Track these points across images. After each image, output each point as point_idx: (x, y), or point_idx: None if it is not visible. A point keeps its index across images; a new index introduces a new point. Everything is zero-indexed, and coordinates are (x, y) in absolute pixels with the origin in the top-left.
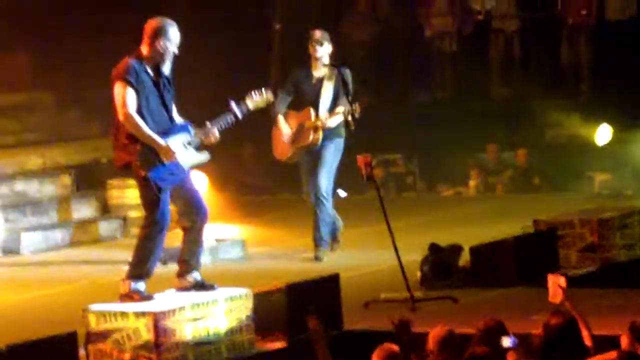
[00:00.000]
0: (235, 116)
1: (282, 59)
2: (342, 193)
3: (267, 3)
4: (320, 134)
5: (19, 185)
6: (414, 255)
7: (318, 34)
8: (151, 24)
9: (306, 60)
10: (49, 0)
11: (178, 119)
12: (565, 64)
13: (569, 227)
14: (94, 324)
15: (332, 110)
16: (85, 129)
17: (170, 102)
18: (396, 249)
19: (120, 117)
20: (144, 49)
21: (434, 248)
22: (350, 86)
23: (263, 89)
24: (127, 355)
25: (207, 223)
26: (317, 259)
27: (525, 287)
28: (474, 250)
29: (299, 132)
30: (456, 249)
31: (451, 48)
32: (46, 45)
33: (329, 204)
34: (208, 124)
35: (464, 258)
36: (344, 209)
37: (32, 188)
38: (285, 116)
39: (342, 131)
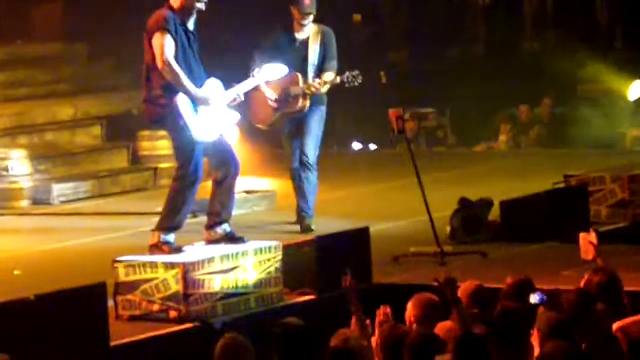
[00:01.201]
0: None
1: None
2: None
3: None
4: (309, 101)
5: (50, 136)
6: (444, 209)
7: (308, 2)
8: None
9: (287, 21)
10: None
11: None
12: (599, 20)
13: (600, 183)
14: (123, 275)
15: (319, 74)
16: (118, 80)
17: (199, 56)
18: (426, 203)
19: (159, 65)
20: (175, 3)
21: (464, 202)
22: (335, 48)
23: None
24: (156, 307)
25: (239, 176)
26: (307, 229)
27: (556, 243)
28: (504, 205)
29: (285, 98)
30: (487, 204)
31: (484, 2)
32: None
33: (316, 174)
34: (235, 85)
35: (494, 213)
36: (375, 162)
37: (63, 139)
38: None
39: (325, 98)
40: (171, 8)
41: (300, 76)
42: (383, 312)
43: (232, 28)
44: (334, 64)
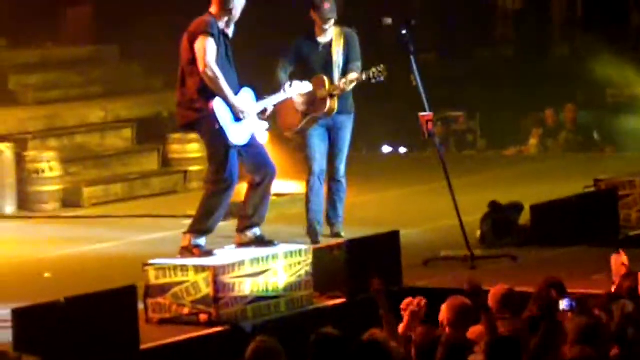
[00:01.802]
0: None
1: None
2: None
3: None
4: (336, 103)
5: (81, 138)
6: (474, 213)
7: (327, 6)
8: None
9: (308, 27)
10: None
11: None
12: (628, 24)
13: (630, 187)
14: (154, 278)
15: (344, 76)
16: (148, 82)
17: (233, 60)
18: (456, 207)
19: (201, 67)
20: (213, 10)
21: (494, 206)
22: (358, 49)
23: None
24: (186, 310)
25: (274, 179)
26: (337, 236)
27: (585, 247)
28: (534, 209)
29: (312, 102)
30: (517, 207)
31: (514, 5)
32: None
33: (345, 184)
34: (265, 97)
35: (525, 216)
36: (405, 165)
37: (93, 141)
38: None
39: (353, 105)
40: (212, 15)
41: (325, 78)
42: (417, 301)
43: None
44: (358, 64)
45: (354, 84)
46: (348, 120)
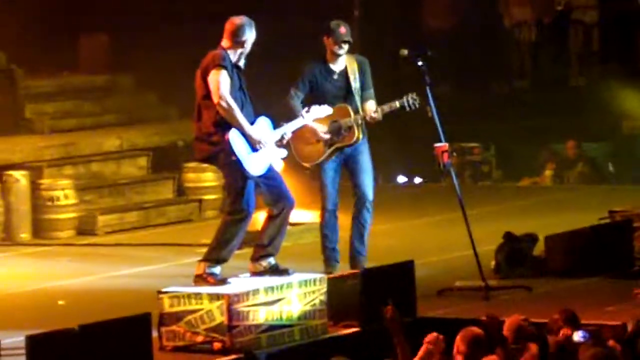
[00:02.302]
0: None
1: (361, 45)
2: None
3: None
4: (362, 132)
5: (96, 167)
6: (488, 243)
7: (344, 30)
8: (233, 22)
9: (321, 53)
10: None
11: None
12: None
13: None
14: (168, 306)
15: (361, 104)
16: (163, 111)
17: (247, 91)
18: (471, 237)
19: (215, 100)
20: (225, 44)
21: (509, 237)
22: (370, 76)
23: (325, 105)
24: (200, 338)
25: (292, 210)
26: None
27: (600, 278)
28: (549, 240)
29: (337, 132)
30: (531, 238)
31: (530, 38)
32: (126, 28)
33: (372, 212)
34: (283, 124)
35: (539, 247)
36: (420, 196)
37: (108, 169)
38: None
39: (366, 131)
40: (223, 49)
41: (349, 107)
42: (435, 337)
43: None
44: (372, 92)
45: (383, 113)
46: (363, 145)
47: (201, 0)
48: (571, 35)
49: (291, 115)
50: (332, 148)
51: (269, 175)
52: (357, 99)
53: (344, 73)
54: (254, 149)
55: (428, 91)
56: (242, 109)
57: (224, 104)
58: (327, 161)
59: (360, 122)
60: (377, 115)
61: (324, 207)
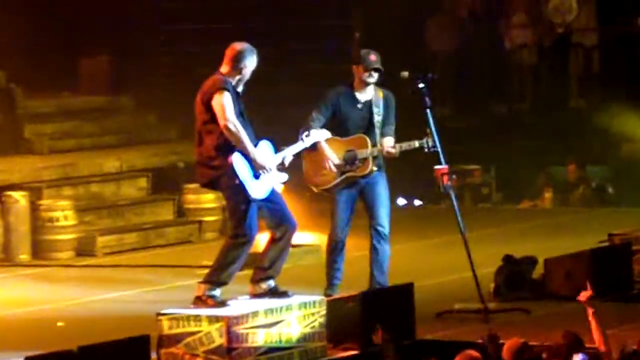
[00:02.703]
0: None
1: None
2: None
3: (347, 12)
4: (376, 165)
5: (96, 188)
6: (488, 266)
7: (374, 58)
8: (234, 48)
9: (351, 79)
10: (129, 7)
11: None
12: None
13: None
14: (167, 328)
15: (379, 137)
16: (163, 132)
17: (246, 115)
18: (470, 260)
19: (222, 123)
20: (224, 69)
21: (508, 259)
22: (394, 112)
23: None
24: None
25: (294, 232)
26: None
27: (599, 301)
28: (548, 263)
29: (351, 161)
30: (531, 261)
31: (530, 61)
32: (127, 50)
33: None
34: (284, 148)
35: (538, 270)
36: (420, 218)
37: (108, 190)
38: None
39: (384, 163)
40: (222, 74)
41: (367, 139)
42: None
43: None
44: (393, 128)
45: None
46: (380, 176)
47: (202, 23)
48: (571, 58)
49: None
50: (344, 176)
51: (272, 199)
52: (377, 132)
53: (369, 104)
54: (257, 173)
55: (428, 113)
56: (250, 132)
57: (231, 126)
58: (338, 189)
59: (376, 154)
60: (395, 151)
61: (332, 236)
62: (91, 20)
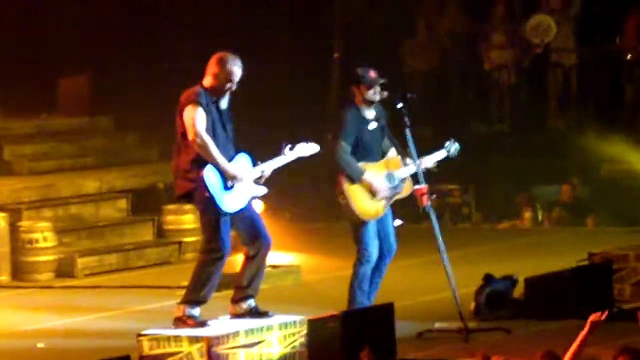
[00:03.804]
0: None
1: (341, 87)
2: (397, 222)
3: (326, 32)
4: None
5: (75, 209)
6: (468, 285)
7: (373, 73)
8: (216, 58)
9: (352, 100)
10: (110, 27)
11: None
12: (622, 99)
13: (623, 261)
14: (147, 349)
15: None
16: (143, 153)
17: (231, 133)
18: (450, 279)
19: (190, 136)
20: (207, 81)
21: (488, 279)
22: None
23: (310, 142)
24: None
25: (269, 250)
26: None
27: (580, 320)
28: (528, 282)
29: (397, 184)
30: (511, 280)
31: (509, 81)
32: (106, 70)
33: None
34: (260, 163)
35: (519, 289)
36: (399, 238)
37: (88, 212)
38: None
39: None
40: (203, 86)
41: (400, 158)
42: None
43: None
44: (392, 142)
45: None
46: None
47: (182, 41)
48: (550, 78)
49: (355, 173)
50: (392, 201)
51: (246, 214)
52: (396, 148)
53: (376, 122)
54: (229, 186)
55: (407, 133)
56: (220, 147)
57: (198, 140)
58: None
59: (414, 171)
60: (431, 165)
61: (366, 259)
62: (69, 41)
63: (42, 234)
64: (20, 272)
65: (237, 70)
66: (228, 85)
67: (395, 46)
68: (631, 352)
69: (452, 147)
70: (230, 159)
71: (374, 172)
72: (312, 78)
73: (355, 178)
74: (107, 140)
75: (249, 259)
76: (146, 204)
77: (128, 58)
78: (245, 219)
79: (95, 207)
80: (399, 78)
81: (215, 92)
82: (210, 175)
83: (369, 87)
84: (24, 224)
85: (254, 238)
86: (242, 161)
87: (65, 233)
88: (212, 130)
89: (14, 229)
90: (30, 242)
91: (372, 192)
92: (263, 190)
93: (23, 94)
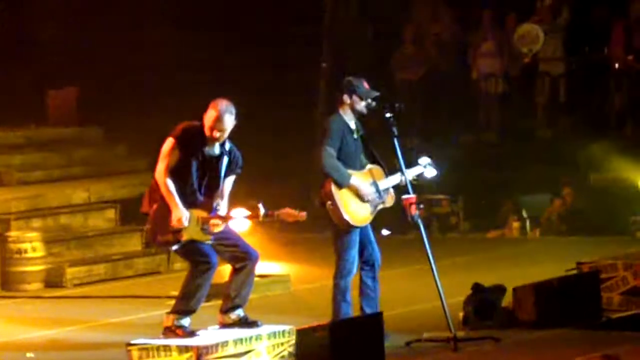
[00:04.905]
0: (257, 219)
1: (329, 97)
2: (385, 232)
3: (315, 42)
4: None
5: (64, 219)
6: (457, 295)
7: (367, 85)
8: (213, 106)
9: (339, 109)
10: (99, 38)
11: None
12: (611, 108)
13: (612, 270)
14: (137, 358)
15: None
16: (132, 164)
17: (216, 178)
18: (439, 288)
19: (157, 169)
20: (206, 121)
21: (477, 288)
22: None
23: (301, 211)
24: None
25: (257, 261)
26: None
27: (568, 330)
28: (517, 291)
29: (382, 193)
30: (499, 289)
31: (497, 90)
32: (95, 81)
33: None
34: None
35: (507, 298)
36: (387, 248)
37: (76, 222)
38: None
39: None
40: (199, 125)
41: (381, 169)
42: None
43: None
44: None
45: None
46: None
47: (171, 52)
48: (538, 87)
49: (338, 175)
50: (377, 210)
51: (224, 241)
52: (375, 161)
53: (360, 132)
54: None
55: (395, 143)
56: (189, 187)
57: (158, 177)
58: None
59: (397, 183)
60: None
61: (345, 273)
62: (58, 51)
63: (31, 244)
64: (9, 282)
65: (227, 123)
66: (215, 135)
67: (383, 56)
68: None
69: (428, 167)
70: (194, 202)
71: (359, 178)
72: (300, 88)
73: (342, 182)
74: (96, 150)
75: (236, 271)
76: (135, 214)
77: (117, 69)
78: (225, 245)
79: (84, 217)
80: (387, 88)
81: (203, 136)
82: (158, 216)
83: (362, 98)
84: (13, 234)
85: (241, 256)
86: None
87: (54, 243)
88: (186, 168)
89: (2, 239)
90: (19, 252)
91: (360, 197)
92: (207, 238)
93: (12, 104)
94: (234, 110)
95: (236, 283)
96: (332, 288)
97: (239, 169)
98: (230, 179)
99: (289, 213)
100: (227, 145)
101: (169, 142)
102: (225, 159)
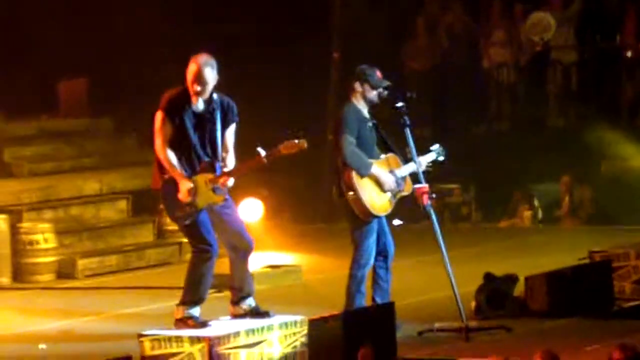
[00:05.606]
0: (262, 163)
1: (340, 87)
2: (397, 221)
3: (325, 33)
4: None
5: (76, 210)
6: (468, 284)
7: (380, 74)
8: (193, 60)
9: (351, 98)
10: (109, 30)
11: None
12: (623, 97)
13: (624, 259)
14: (149, 349)
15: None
16: (143, 155)
17: (215, 133)
18: (451, 278)
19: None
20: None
21: (489, 277)
22: None
23: (298, 139)
24: None
25: (251, 252)
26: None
27: (580, 318)
28: (529, 280)
29: (399, 182)
30: (511, 279)
31: (509, 79)
32: (106, 72)
33: None
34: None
35: (519, 288)
36: (399, 237)
37: (88, 213)
38: None
39: None
40: (182, 88)
41: (397, 157)
42: None
43: None
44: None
45: None
46: None
47: (181, 44)
48: (549, 76)
49: (364, 165)
50: (396, 199)
51: (224, 218)
52: (391, 150)
53: (373, 120)
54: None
55: (407, 132)
56: (192, 150)
57: (158, 152)
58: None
59: (413, 170)
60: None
61: (366, 264)
62: (69, 43)
63: (43, 236)
64: (21, 274)
65: (208, 75)
66: (198, 89)
67: (394, 46)
68: (626, 350)
69: (441, 151)
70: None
71: (379, 167)
72: (312, 79)
73: (364, 170)
74: (108, 141)
75: (232, 261)
76: (146, 205)
77: (129, 61)
78: (225, 223)
79: (96, 208)
80: (398, 78)
81: (187, 96)
82: (167, 188)
83: (374, 87)
84: (25, 225)
85: (234, 240)
86: (206, 171)
87: (66, 234)
88: (179, 136)
89: (14, 230)
90: (31, 243)
91: (380, 185)
92: (220, 199)
93: (24, 96)
94: (215, 64)
95: (238, 273)
96: (347, 279)
97: (235, 117)
98: (231, 130)
99: (290, 145)
100: (215, 97)
101: (159, 116)
102: (219, 112)
